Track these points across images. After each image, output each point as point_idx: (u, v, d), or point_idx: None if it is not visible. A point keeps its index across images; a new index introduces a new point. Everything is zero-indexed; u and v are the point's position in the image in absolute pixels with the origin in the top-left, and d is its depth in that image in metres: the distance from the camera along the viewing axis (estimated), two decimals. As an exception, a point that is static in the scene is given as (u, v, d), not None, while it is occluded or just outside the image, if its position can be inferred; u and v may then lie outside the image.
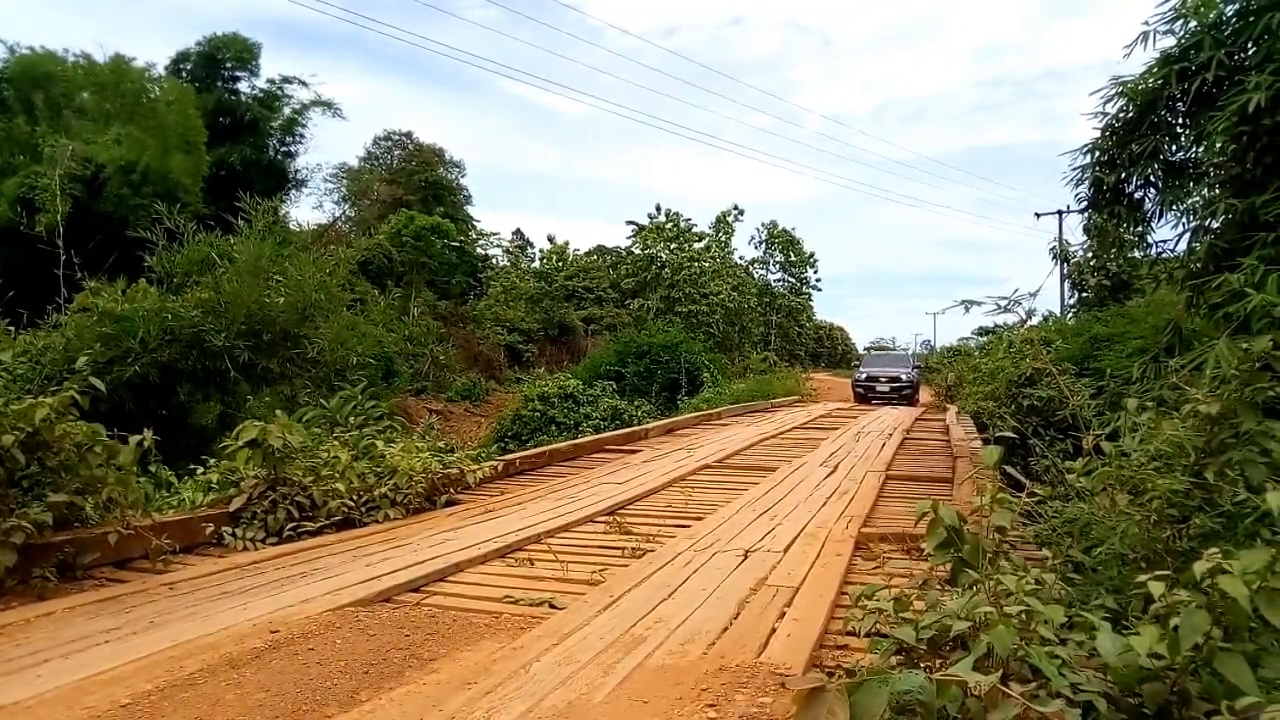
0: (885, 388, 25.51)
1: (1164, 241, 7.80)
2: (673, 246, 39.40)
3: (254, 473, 5.72)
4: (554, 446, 10.27)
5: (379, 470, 6.37)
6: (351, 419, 8.29)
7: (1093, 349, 13.12)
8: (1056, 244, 27.46)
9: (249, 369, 10.55)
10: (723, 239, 43.80)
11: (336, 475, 5.99)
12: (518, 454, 9.52)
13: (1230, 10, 6.13)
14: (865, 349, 56.77)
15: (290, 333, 11.10)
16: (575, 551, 5.19)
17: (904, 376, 25.77)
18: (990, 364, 16.29)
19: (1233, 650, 2.07)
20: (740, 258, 48.84)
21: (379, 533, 5.64)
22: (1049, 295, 27.73)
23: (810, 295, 58.22)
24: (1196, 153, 6.83)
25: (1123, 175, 7.10)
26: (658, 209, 40.33)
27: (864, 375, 26.73)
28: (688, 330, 30.91)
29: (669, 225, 39.88)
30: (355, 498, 5.97)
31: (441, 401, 26.31)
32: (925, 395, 28.65)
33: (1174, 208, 7.20)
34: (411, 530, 5.70)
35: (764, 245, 56.61)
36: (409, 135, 43.26)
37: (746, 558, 4.89)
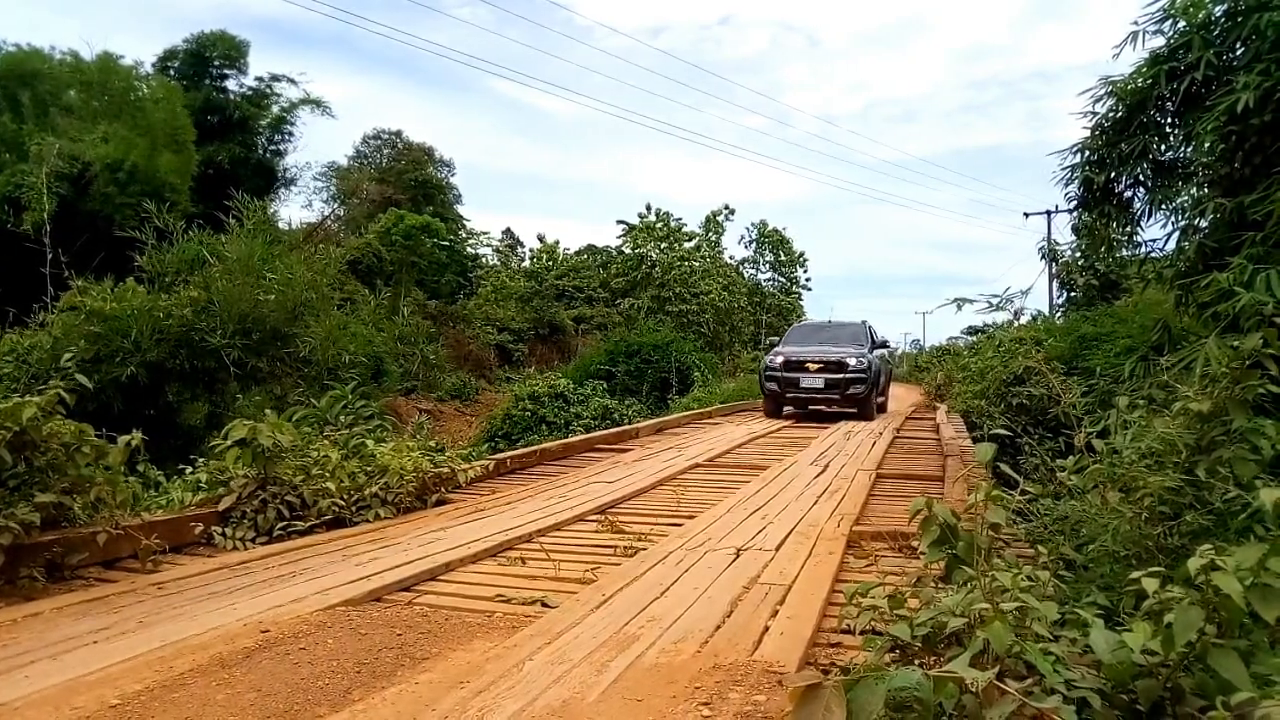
0: (817, 380, 14.90)
1: (1153, 241, 7.85)
2: (663, 246, 39.47)
3: (243, 472, 5.68)
4: (544, 446, 10.25)
5: (369, 469, 6.34)
6: (341, 418, 8.27)
7: (1081, 348, 13.20)
8: (1045, 244, 27.66)
9: (238, 368, 10.49)
10: (713, 239, 43.92)
11: (327, 474, 5.95)
12: (508, 453, 9.49)
13: (1219, 11, 6.16)
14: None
15: (280, 332, 11.06)
16: (567, 550, 5.17)
17: (851, 361, 14.93)
18: (980, 363, 16.37)
19: (1226, 646, 2.08)
20: (730, 257, 49.02)
21: (370, 532, 5.62)
22: (1037, 294, 27.82)
23: (800, 295, 58.31)
24: (1185, 152, 6.88)
25: (1112, 175, 7.14)
26: (648, 208, 40.42)
27: (779, 360, 15.43)
28: (678, 329, 30.95)
29: (659, 225, 39.94)
30: (345, 497, 5.94)
31: (431, 401, 26.27)
32: (911, 395, 24.57)
33: (1163, 207, 7.25)
34: (402, 529, 5.67)
35: (754, 245, 56.72)
36: (398, 134, 43.27)
37: (738, 556, 4.89)
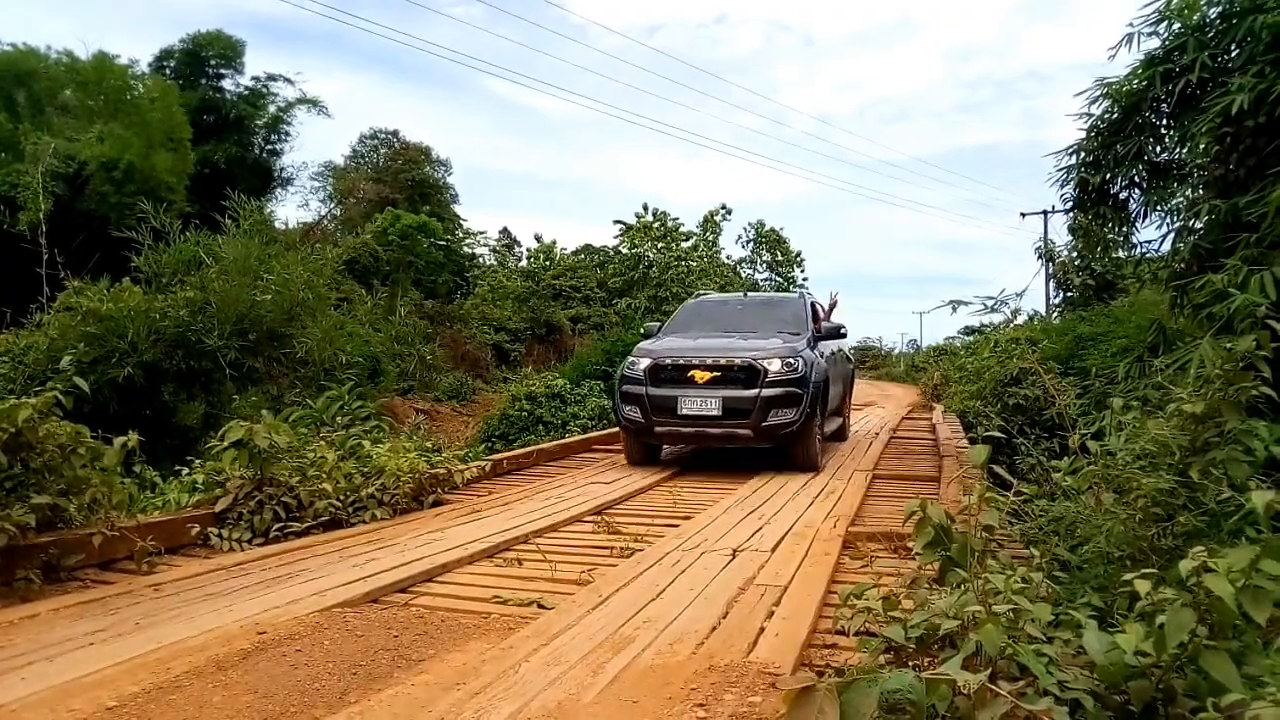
0: (708, 402, 8.13)
1: (1148, 242, 7.86)
2: (660, 246, 39.44)
3: (240, 473, 5.68)
4: (542, 446, 10.26)
5: (366, 470, 6.34)
6: (338, 419, 8.27)
7: (1077, 348, 13.26)
8: (1042, 244, 27.74)
9: (235, 368, 10.48)
10: (710, 238, 43.90)
11: (323, 475, 5.95)
12: (505, 454, 9.50)
13: (1214, 13, 6.17)
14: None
15: (276, 332, 11.05)
16: (563, 551, 5.19)
17: (771, 365, 8.10)
18: (976, 363, 16.38)
19: (1218, 648, 2.09)
20: (728, 257, 48.92)
21: (366, 533, 5.62)
22: (1034, 294, 27.82)
23: (798, 295, 58.23)
24: (1180, 154, 6.89)
25: (1107, 176, 7.15)
26: (645, 208, 40.38)
27: (642, 365, 8.52)
28: (675, 329, 30.81)
29: (656, 225, 39.94)
30: (342, 498, 5.94)
31: (428, 401, 26.20)
32: (908, 395, 24.39)
33: (1158, 208, 7.26)
34: (399, 531, 5.68)
35: (751, 245, 56.73)
36: (395, 133, 43.09)
37: (734, 557, 4.90)
